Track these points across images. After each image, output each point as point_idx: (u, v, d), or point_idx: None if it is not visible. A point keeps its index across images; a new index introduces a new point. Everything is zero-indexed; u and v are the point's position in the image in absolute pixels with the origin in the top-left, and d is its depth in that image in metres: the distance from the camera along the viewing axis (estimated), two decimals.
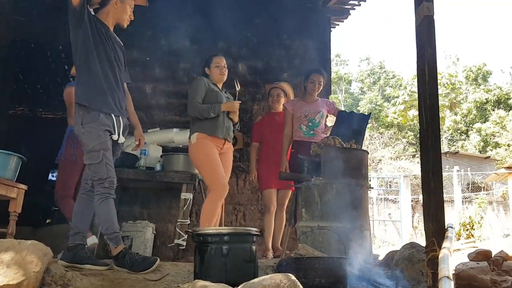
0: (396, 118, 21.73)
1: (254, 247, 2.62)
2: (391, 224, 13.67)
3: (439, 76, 20.01)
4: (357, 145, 3.56)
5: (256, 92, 5.37)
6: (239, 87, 3.85)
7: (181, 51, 5.28)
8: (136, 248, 4.26)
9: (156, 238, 4.59)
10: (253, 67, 5.43)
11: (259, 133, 4.52)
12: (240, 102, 3.72)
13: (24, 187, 3.23)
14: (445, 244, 2.23)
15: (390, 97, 25.35)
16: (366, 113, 3.93)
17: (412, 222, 12.17)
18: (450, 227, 2.64)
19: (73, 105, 2.95)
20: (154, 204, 4.88)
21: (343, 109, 24.93)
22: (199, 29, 5.34)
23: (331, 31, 5.76)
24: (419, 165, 15.42)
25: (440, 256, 2.08)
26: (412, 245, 3.18)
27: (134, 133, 3.18)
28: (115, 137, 2.93)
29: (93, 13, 2.99)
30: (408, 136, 22.87)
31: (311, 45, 5.58)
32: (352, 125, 3.76)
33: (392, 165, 17.46)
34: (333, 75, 28.97)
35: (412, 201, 12.46)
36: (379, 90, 27.74)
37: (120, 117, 3.00)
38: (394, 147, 20.64)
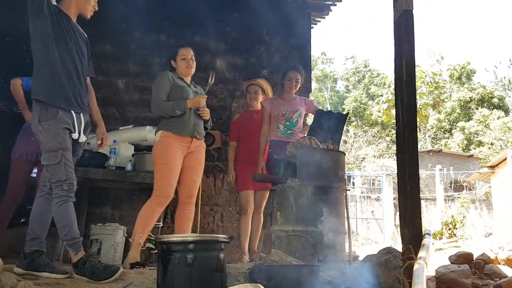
0: (380, 117, 21.77)
1: (222, 255, 2.47)
2: (374, 222, 13.65)
3: (422, 75, 20.18)
4: (334, 145, 3.43)
5: (235, 89, 5.21)
6: (212, 81, 3.64)
7: (156, 45, 5.09)
8: (106, 252, 4.07)
9: (127, 241, 4.40)
10: (232, 63, 5.26)
11: (237, 132, 4.36)
12: (206, 96, 3.49)
13: None
14: (421, 253, 2.11)
15: (374, 95, 25.41)
16: (344, 113, 3.77)
17: (394, 220, 12.15)
18: (428, 233, 2.52)
19: (21, 99, 2.79)
20: (127, 205, 4.69)
21: (328, 107, 24.98)
22: (176, 22, 5.17)
23: (312, 27, 5.62)
24: None
25: (415, 268, 1.95)
26: (388, 251, 3.06)
27: (96, 131, 2.99)
28: (75, 135, 2.75)
29: (54, 3, 2.80)
30: (392, 134, 22.94)
31: (291, 42, 5.44)
32: (330, 124, 3.63)
33: (375, 163, 17.46)
34: (318, 73, 29.15)
35: (394, 199, 12.43)
36: (363, 88, 27.77)
37: (81, 114, 2.82)
38: (377, 145, 20.67)
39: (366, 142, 20.47)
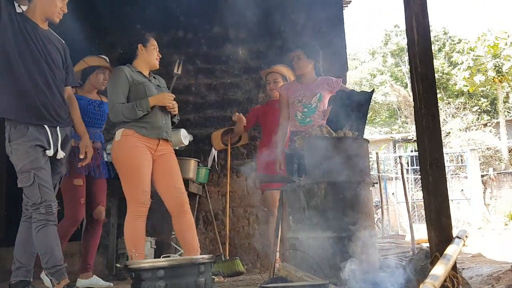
0: (466, 85, 19.82)
1: (202, 280, 2.09)
2: (465, 202, 12.42)
3: (504, 35, 17.87)
4: (355, 131, 2.88)
5: (261, 78, 4.74)
6: (178, 71, 3.22)
7: (174, 42, 4.81)
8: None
9: (157, 252, 4.20)
10: (255, 51, 4.82)
11: (250, 118, 3.98)
12: (173, 95, 3.04)
13: None
14: (434, 270, 1.54)
15: (457, 63, 23.29)
16: (368, 91, 3.17)
17: (484, 199, 10.88)
18: (458, 237, 1.93)
19: None
20: (158, 214, 4.45)
21: (408, 82, 23.32)
22: (192, 15, 4.84)
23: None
24: (491, 135, 13.89)
25: None
26: (426, 254, 2.48)
27: (79, 145, 2.75)
28: (49, 152, 2.52)
29: (20, 10, 2.60)
30: (481, 103, 20.82)
31: (320, 17, 4.86)
32: (351, 107, 3.07)
33: (461, 138, 15.88)
34: (393, 46, 27.42)
35: (482, 176, 11.14)
36: (445, 57, 25.57)
37: (58, 128, 2.59)
38: (462, 118, 18.86)
39: (449, 115, 18.75)
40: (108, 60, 3.61)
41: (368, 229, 2.68)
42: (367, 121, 3.15)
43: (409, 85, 23.12)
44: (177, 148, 4.06)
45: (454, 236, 1.98)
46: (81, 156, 2.72)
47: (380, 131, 23.43)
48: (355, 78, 25.80)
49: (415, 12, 2.14)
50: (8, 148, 2.49)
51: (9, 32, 2.49)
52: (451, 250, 1.76)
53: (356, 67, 27.55)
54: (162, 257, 2.31)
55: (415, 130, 2.19)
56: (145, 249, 3.94)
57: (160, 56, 3.14)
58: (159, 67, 4.65)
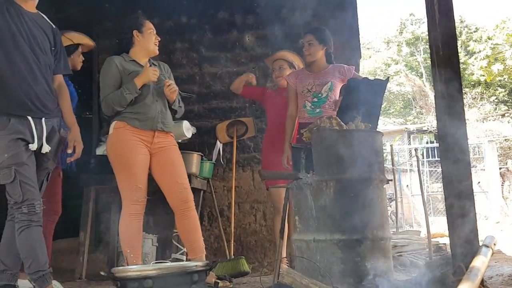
0: (483, 75, 19.21)
1: None
2: (482, 195, 12.05)
3: None
4: (368, 123, 2.62)
5: (268, 67, 4.50)
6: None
7: (177, 28, 4.57)
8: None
9: (160, 250, 4.01)
10: (262, 37, 4.55)
11: (256, 92, 3.79)
12: (157, 70, 2.79)
13: None
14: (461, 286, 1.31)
15: (474, 52, 22.62)
16: (383, 79, 2.90)
17: (502, 192, 10.51)
18: (486, 245, 1.68)
19: None
20: (160, 209, 4.26)
21: (423, 71, 22.80)
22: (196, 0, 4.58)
23: None
24: (509, 126, 13.43)
25: None
26: (447, 260, 2.24)
27: (68, 137, 2.54)
28: (33, 146, 2.31)
29: None
30: (499, 93, 20.21)
31: (332, 2, 4.57)
32: (364, 96, 2.81)
33: (478, 128, 15.42)
34: (409, 35, 26.78)
35: (500, 168, 10.76)
36: (461, 46, 24.89)
37: (43, 119, 2.38)
38: (479, 108, 18.34)
39: (466, 105, 18.22)
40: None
41: (382, 230, 2.44)
42: (380, 112, 2.88)
43: (424, 74, 22.60)
44: (179, 141, 3.84)
45: (480, 243, 1.74)
46: (69, 151, 2.51)
47: (394, 122, 23.00)
48: (369, 68, 25.31)
49: None
50: None
51: None
52: (479, 263, 1.52)
53: (370, 57, 27.03)
54: (153, 264, 2.10)
55: (434, 121, 1.93)
56: (146, 247, 3.80)
57: (159, 39, 2.91)
58: (161, 55, 4.49)
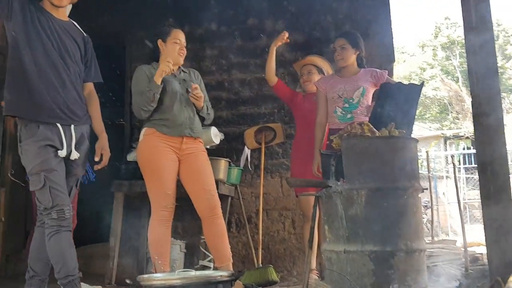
0: None
1: None
2: None
3: None
4: (402, 130, 2.52)
5: (297, 72, 4.44)
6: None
7: (207, 35, 4.58)
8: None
9: (188, 257, 3.99)
10: (292, 43, 4.43)
11: (285, 90, 3.71)
12: (170, 59, 2.78)
13: None
14: None
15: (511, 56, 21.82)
16: (417, 84, 2.79)
17: None
18: None
19: None
20: (189, 215, 4.26)
21: (459, 76, 22.14)
22: (226, 7, 4.58)
23: None
24: None
25: None
26: (483, 273, 2.12)
27: (95, 145, 2.56)
28: (62, 153, 2.34)
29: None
30: None
31: (364, 4, 4.48)
32: (398, 101, 2.71)
33: None
34: (444, 39, 26.12)
35: None
36: (498, 50, 24.05)
37: (72, 126, 2.40)
38: None
39: (504, 111, 17.54)
40: None
41: (416, 242, 2.33)
42: (415, 117, 2.77)
43: (461, 79, 21.96)
44: (208, 147, 3.83)
45: None
46: (96, 159, 2.52)
47: (430, 127, 22.43)
48: (404, 72, 24.81)
49: None
50: (19, 149, 2.34)
51: (20, 23, 2.32)
52: None
53: (405, 61, 26.49)
54: (178, 272, 2.08)
55: (470, 127, 1.82)
56: (174, 254, 3.80)
57: (184, 51, 2.91)
58: (191, 62, 4.50)
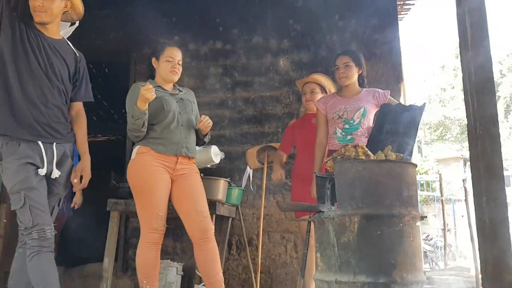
0: None
1: None
2: None
3: None
4: (400, 153, 2.39)
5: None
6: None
7: (212, 54, 4.55)
8: None
9: (185, 279, 3.88)
10: (297, 61, 4.42)
11: (289, 140, 3.57)
12: (149, 85, 2.60)
13: None
14: None
15: None
16: (419, 105, 2.67)
17: None
18: None
19: None
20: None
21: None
22: (231, 25, 4.56)
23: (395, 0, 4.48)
24: None
25: None
26: None
27: (76, 166, 2.50)
28: (42, 171, 2.28)
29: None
30: None
31: (371, 23, 4.39)
32: (397, 123, 2.60)
33: None
34: None
35: None
36: None
37: (54, 144, 2.35)
38: None
39: None
40: None
41: (413, 273, 2.18)
42: (415, 140, 2.64)
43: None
44: (208, 166, 3.75)
45: None
46: (75, 180, 2.45)
47: (450, 148, 21.96)
48: (424, 93, 24.50)
49: (469, 5, 1.66)
50: (0, 167, 2.29)
51: (9, 40, 2.31)
52: None
53: (425, 81, 26.19)
54: None
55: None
56: (170, 276, 3.70)
57: (177, 69, 2.85)
58: (195, 80, 4.47)
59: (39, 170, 2.28)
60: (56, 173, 2.34)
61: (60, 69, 2.44)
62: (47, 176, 2.33)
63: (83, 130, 2.55)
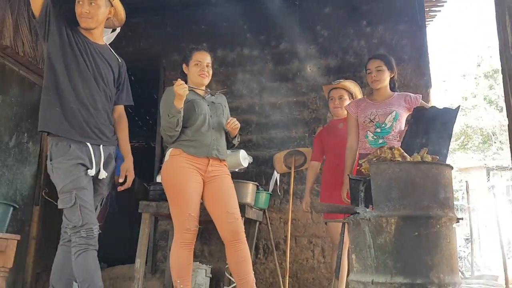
0: None
1: None
2: None
3: None
4: (436, 156, 2.39)
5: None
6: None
7: (239, 60, 4.61)
8: None
9: (214, 282, 3.92)
10: (325, 67, 4.45)
11: (319, 149, 3.57)
12: (180, 81, 2.66)
13: (16, 237, 2.87)
14: None
15: None
16: (453, 108, 2.67)
17: None
18: None
19: None
20: (216, 239, 4.21)
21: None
22: (259, 32, 4.63)
23: (423, 4, 4.48)
24: None
25: None
26: None
27: (121, 166, 2.57)
28: (91, 172, 2.36)
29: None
30: None
31: (399, 28, 4.40)
32: (432, 126, 2.60)
33: None
34: (487, 68, 25.42)
35: None
36: None
37: (101, 146, 2.44)
38: None
39: None
40: None
41: (450, 275, 2.17)
42: (450, 143, 2.63)
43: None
44: (236, 170, 3.79)
45: None
46: (121, 180, 2.53)
47: (472, 157, 21.63)
48: (445, 101, 24.23)
49: (509, 6, 1.68)
50: (50, 167, 2.38)
51: (57, 45, 2.41)
52: None
53: (446, 90, 25.92)
54: None
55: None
56: (199, 278, 3.74)
57: (205, 72, 2.90)
58: (222, 85, 4.53)
59: (88, 170, 2.35)
60: (103, 174, 2.43)
61: (106, 73, 2.53)
62: (94, 176, 2.41)
63: (126, 132, 2.64)
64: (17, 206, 3.08)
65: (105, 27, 2.62)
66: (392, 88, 3.18)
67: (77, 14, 2.47)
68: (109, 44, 2.77)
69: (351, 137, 3.17)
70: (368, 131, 3.09)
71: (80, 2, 2.44)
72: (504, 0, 1.70)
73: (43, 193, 4.20)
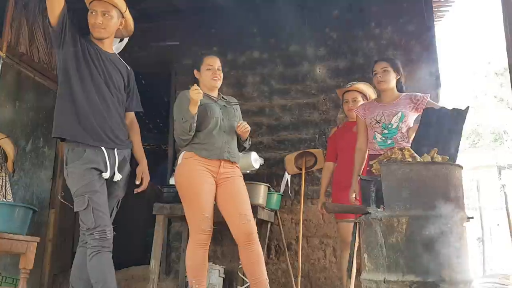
0: None
1: None
2: None
3: None
4: (446, 156, 2.43)
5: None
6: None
7: (249, 63, 4.67)
8: None
9: (227, 282, 3.97)
10: (334, 68, 4.50)
11: (333, 150, 3.61)
12: (197, 87, 2.72)
13: (35, 239, 2.95)
14: None
15: None
16: (462, 108, 2.70)
17: None
18: None
19: None
20: (229, 240, 4.26)
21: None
22: (268, 35, 4.69)
23: (432, 4, 4.51)
24: None
25: None
26: None
27: (136, 170, 2.65)
28: (106, 175, 2.44)
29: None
30: None
31: (408, 29, 4.43)
32: (441, 126, 2.63)
33: None
34: (498, 66, 25.20)
35: None
36: None
37: (116, 150, 2.51)
38: None
39: None
40: None
41: (461, 273, 2.20)
42: (460, 143, 2.66)
43: None
44: (248, 172, 3.85)
45: None
46: (137, 182, 2.61)
47: (483, 156, 21.48)
48: (456, 100, 24.10)
49: None
50: (65, 171, 2.46)
51: (71, 52, 2.49)
52: None
53: (456, 88, 25.77)
54: None
55: None
56: (213, 278, 3.80)
57: (217, 75, 2.97)
58: (233, 88, 4.59)
59: (102, 174, 2.43)
60: (118, 177, 2.50)
61: (117, 79, 2.61)
62: (109, 179, 2.48)
63: (138, 136, 2.72)
64: (37, 210, 3.16)
65: (114, 37, 2.71)
66: (400, 90, 3.22)
67: (90, 24, 2.55)
68: (121, 51, 2.86)
69: (360, 139, 3.21)
70: (376, 132, 3.13)
71: (94, 13, 2.52)
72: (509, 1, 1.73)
73: (59, 196, 4.29)
